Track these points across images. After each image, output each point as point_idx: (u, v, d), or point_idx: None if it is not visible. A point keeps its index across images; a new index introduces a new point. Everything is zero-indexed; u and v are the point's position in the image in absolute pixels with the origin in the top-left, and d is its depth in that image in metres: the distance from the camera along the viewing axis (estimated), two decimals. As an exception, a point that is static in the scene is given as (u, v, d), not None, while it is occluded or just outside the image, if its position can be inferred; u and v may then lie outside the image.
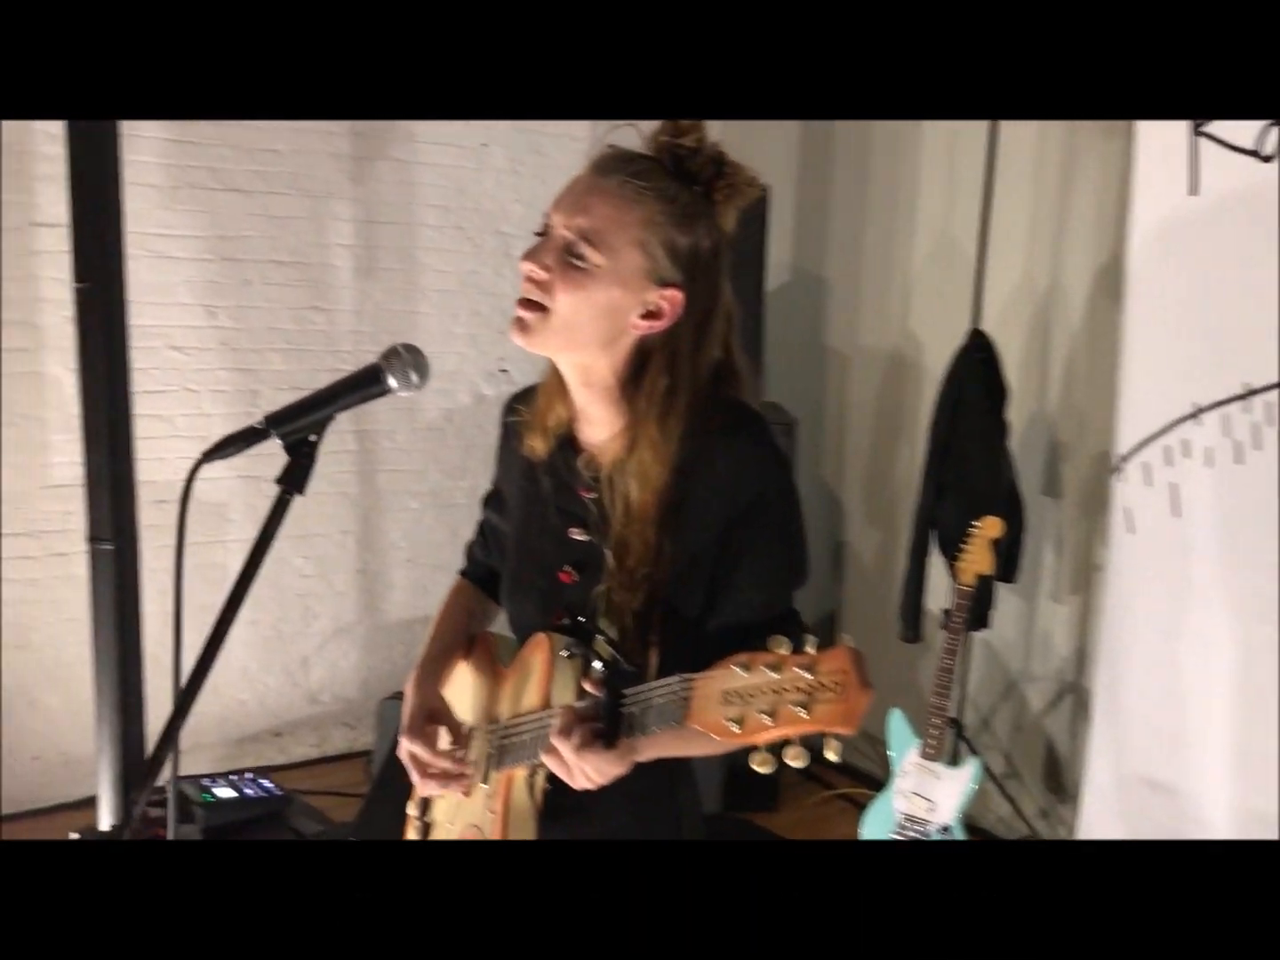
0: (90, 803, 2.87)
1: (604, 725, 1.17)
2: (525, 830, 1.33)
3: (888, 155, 3.64)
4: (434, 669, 1.50)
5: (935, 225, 3.52)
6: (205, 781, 2.27)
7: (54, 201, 3.15)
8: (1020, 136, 3.14)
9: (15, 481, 3.22)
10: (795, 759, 1.03)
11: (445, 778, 1.41)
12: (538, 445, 1.42)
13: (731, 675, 1.07)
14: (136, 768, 2.33)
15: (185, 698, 1.02)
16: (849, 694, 1.01)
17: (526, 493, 1.47)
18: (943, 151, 3.47)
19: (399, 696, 1.54)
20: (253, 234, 3.51)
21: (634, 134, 1.34)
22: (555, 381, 1.40)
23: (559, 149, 3.94)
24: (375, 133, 3.67)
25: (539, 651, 1.37)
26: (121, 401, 2.37)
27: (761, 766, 1.05)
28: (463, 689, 1.52)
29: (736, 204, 1.35)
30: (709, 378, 1.35)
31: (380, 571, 3.85)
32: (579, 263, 1.27)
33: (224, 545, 3.55)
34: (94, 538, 2.32)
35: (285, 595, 3.70)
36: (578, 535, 1.40)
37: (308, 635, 3.77)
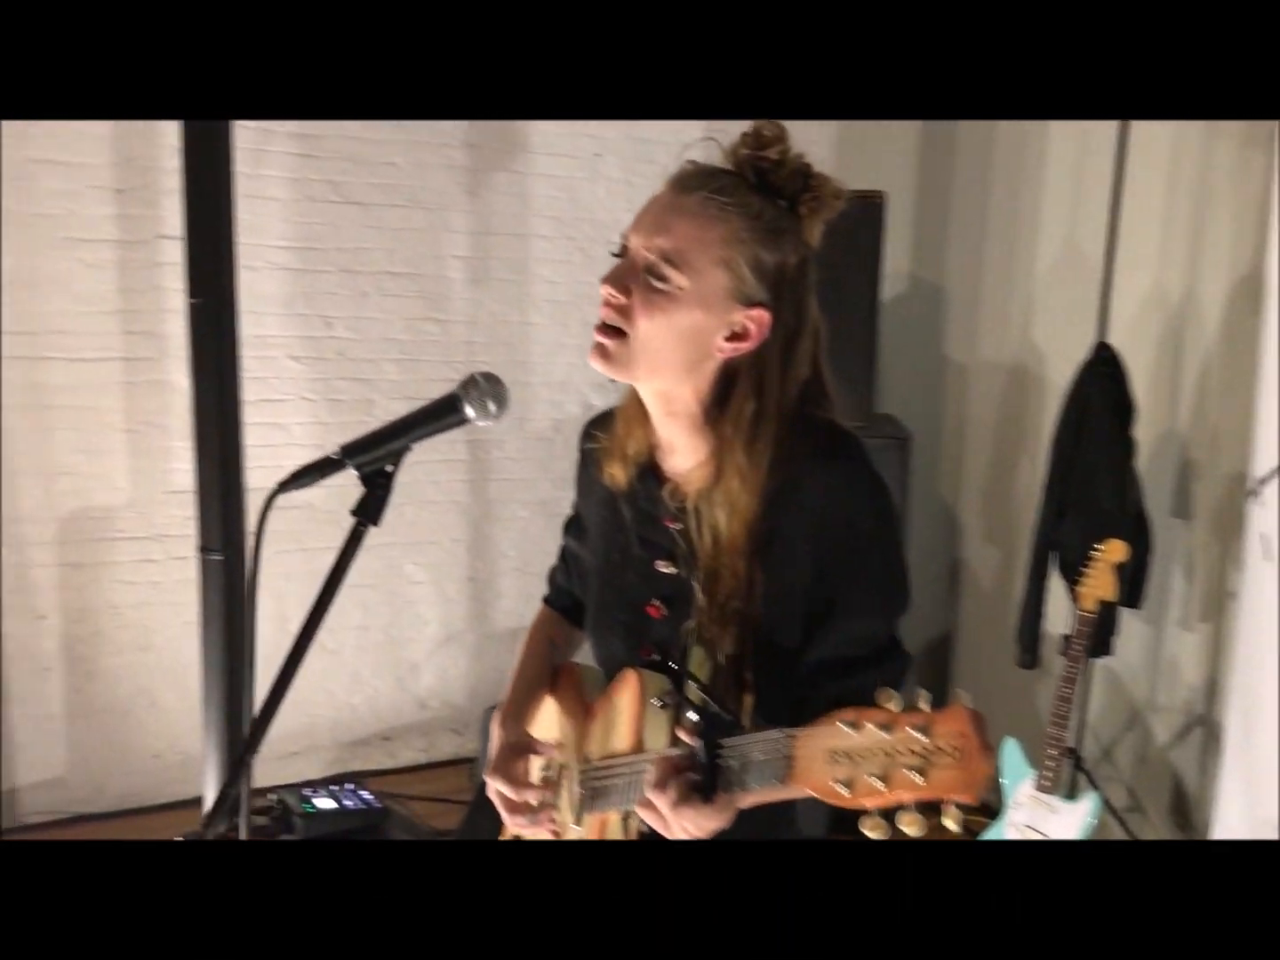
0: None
1: (701, 779, 1.13)
2: None
3: (1011, 158, 3.52)
4: (520, 705, 1.48)
5: (1060, 232, 3.38)
6: (307, 792, 2.30)
7: (178, 214, 3.25)
8: (1152, 139, 2.99)
9: (138, 487, 3.33)
10: (911, 826, 0.96)
11: (533, 814, 1.38)
12: (618, 474, 1.38)
13: (838, 733, 1.00)
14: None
15: (259, 724, 1.01)
16: (969, 760, 0.94)
17: (608, 522, 1.43)
18: (1070, 154, 3.33)
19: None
20: (370, 246, 3.56)
21: (714, 149, 1.30)
22: (635, 407, 1.36)
23: (672, 157, 3.90)
24: (490, 145, 3.69)
25: (628, 691, 1.33)
26: (232, 414, 2.42)
27: (873, 832, 0.97)
28: (549, 723, 1.50)
29: (823, 217, 1.30)
30: (797, 399, 1.30)
31: (489, 580, 3.87)
32: (660, 285, 1.23)
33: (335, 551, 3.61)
34: (204, 548, 2.37)
35: (396, 601, 3.75)
36: (664, 568, 1.35)
37: (418, 641, 3.81)
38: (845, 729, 1.00)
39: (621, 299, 1.24)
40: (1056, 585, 3.01)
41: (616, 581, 1.41)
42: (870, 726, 0.98)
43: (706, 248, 1.23)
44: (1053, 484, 3.00)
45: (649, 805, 1.16)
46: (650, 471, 1.37)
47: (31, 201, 3.14)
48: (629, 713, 1.31)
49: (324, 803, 2.27)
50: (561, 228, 3.80)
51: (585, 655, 1.59)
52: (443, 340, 3.69)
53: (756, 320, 1.26)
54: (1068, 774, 2.85)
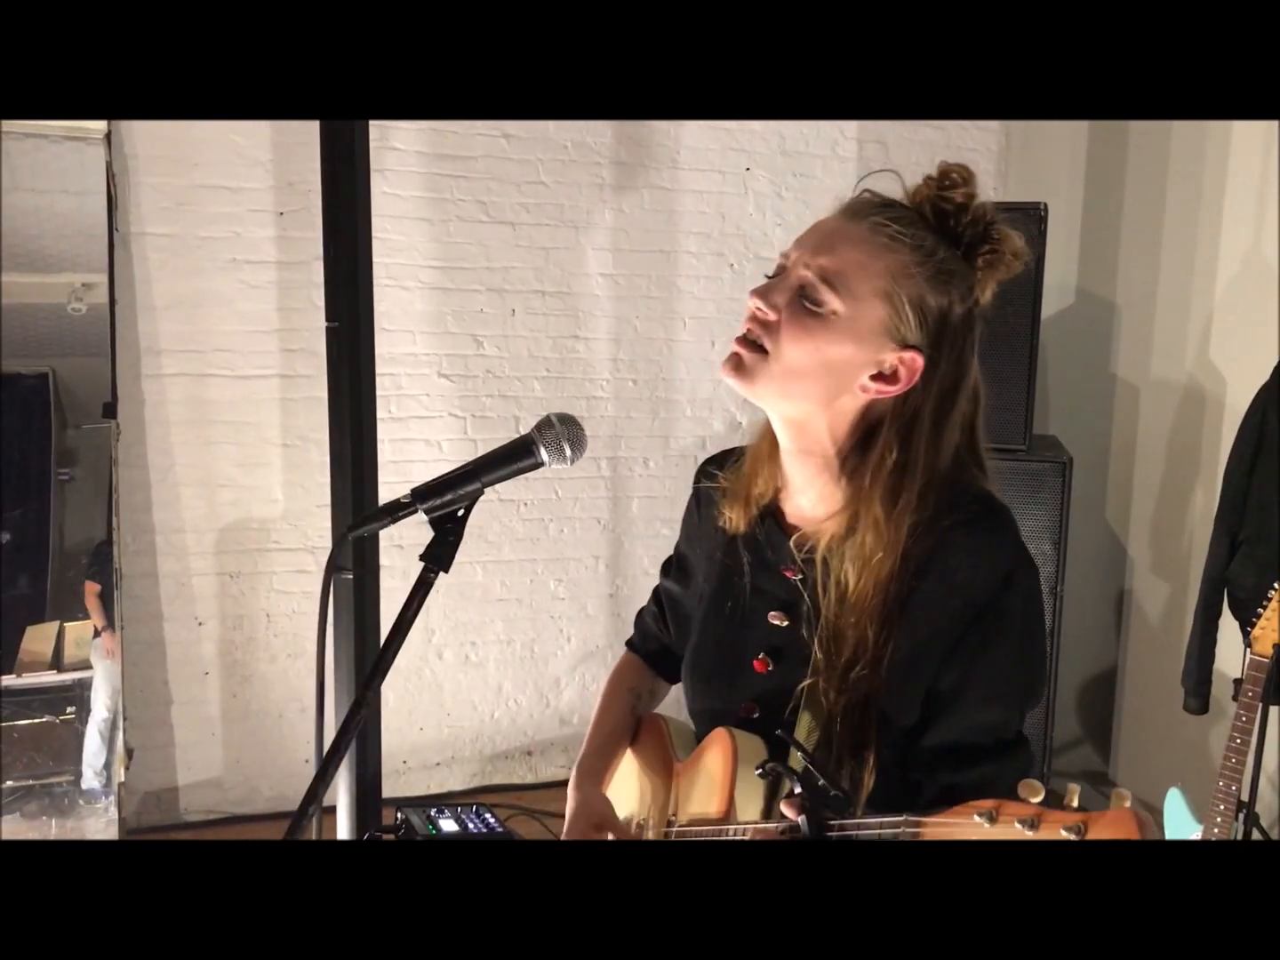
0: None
1: None
2: None
3: (1189, 162, 3.28)
4: (596, 766, 1.41)
5: (1243, 242, 3.14)
6: (433, 812, 2.30)
7: (337, 237, 3.36)
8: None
9: (293, 500, 3.44)
10: None
11: None
12: (737, 516, 1.30)
13: (972, 825, 0.90)
14: (373, 782, 2.42)
15: (332, 755, 0.99)
16: None
17: (721, 566, 1.33)
18: (1255, 157, 3.09)
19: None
20: (518, 265, 3.60)
21: (895, 184, 1.23)
22: (765, 446, 1.28)
23: (825, 171, 3.83)
24: (638, 161, 3.68)
25: (721, 751, 1.24)
26: (368, 434, 2.45)
27: None
28: (629, 777, 1.44)
29: (999, 275, 1.20)
30: (949, 463, 1.21)
31: (630, 597, 3.84)
32: (814, 307, 1.15)
33: (482, 565, 3.66)
34: (336, 566, 2.41)
35: (540, 617, 3.77)
36: (777, 620, 1.26)
37: (560, 657, 3.82)
38: (981, 821, 0.89)
39: (770, 315, 1.16)
40: (1230, 624, 2.78)
41: (722, 630, 1.33)
42: (1013, 821, 0.87)
43: (869, 276, 1.14)
44: (1225, 515, 2.78)
45: None
46: (773, 516, 1.29)
47: (198, 225, 3.29)
48: (721, 776, 1.22)
49: (448, 825, 2.27)
50: (709, 243, 3.76)
51: (669, 706, 1.53)
52: (588, 358, 3.69)
53: (909, 364, 1.17)
54: (1238, 830, 2.63)
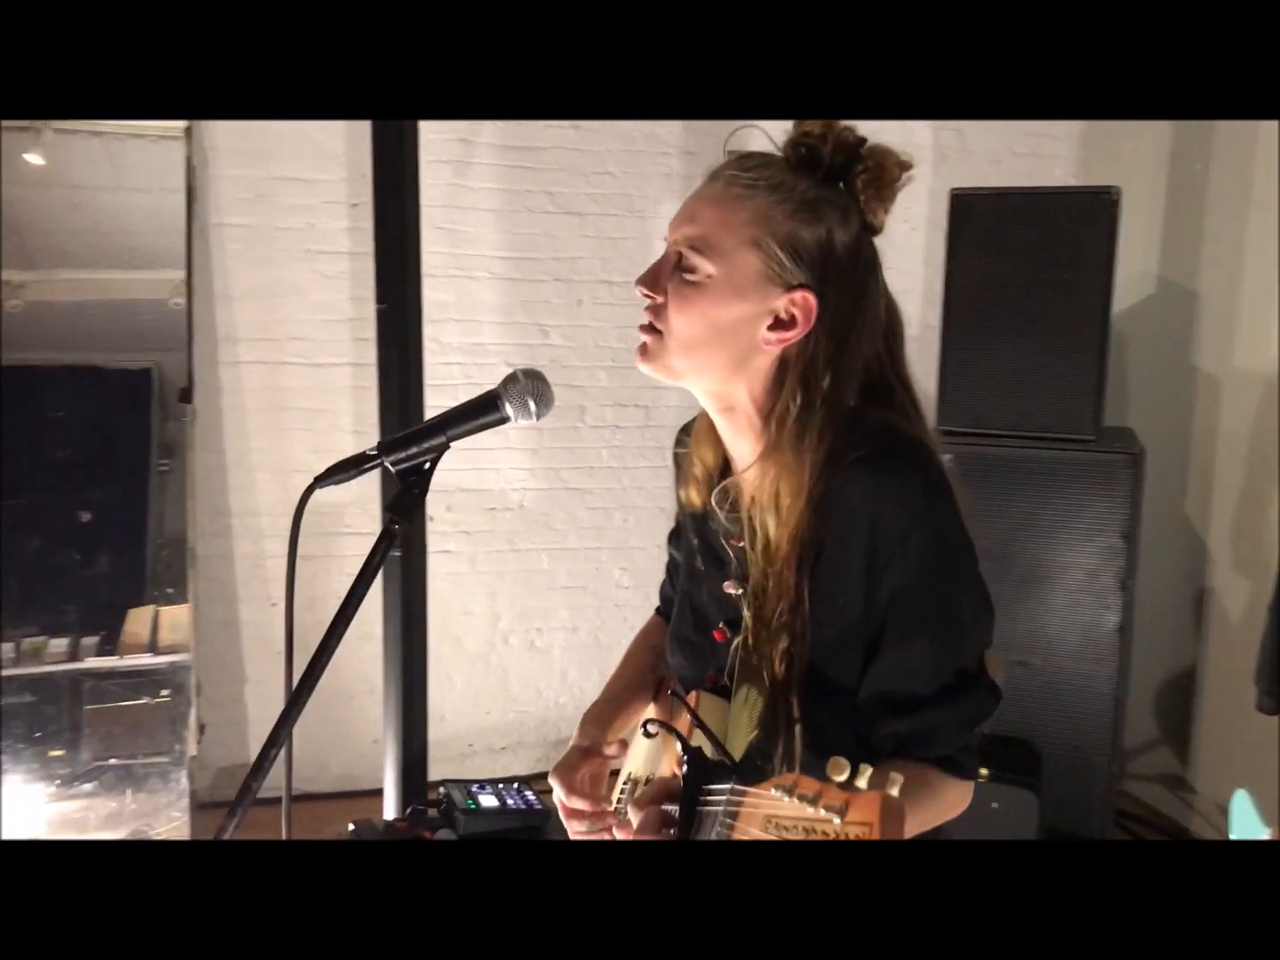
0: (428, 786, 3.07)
1: (679, 818, 1.06)
2: None
3: (1276, 148, 3.16)
4: (603, 712, 1.42)
5: (1332, 227, 3.01)
6: (474, 788, 2.35)
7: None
8: None
9: (363, 485, 3.50)
10: None
11: (587, 821, 1.33)
12: (690, 493, 1.31)
13: (772, 798, 0.92)
14: (419, 763, 2.46)
15: (289, 711, 1.01)
16: None
17: (688, 541, 1.36)
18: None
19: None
20: (585, 255, 3.63)
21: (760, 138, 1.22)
22: (705, 421, 1.28)
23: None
24: (707, 152, 3.66)
25: (682, 716, 1.25)
26: (415, 414, 2.50)
27: None
28: (641, 736, 1.45)
29: (886, 193, 1.17)
30: (859, 397, 1.18)
31: (697, 588, 3.84)
32: (690, 276, 1.15)
33: (548, 553, 3.70)
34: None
35: (605, 605, 3.79)
36: (731, 589, 1.25)
37: (624, 645, 3.80)
38: (779, 794, 0.90)
39: (657, 297, 1.17)
40: (1307, 623, 2.66)
41: (690, 603, 1.34)
42: (797, 797, 0.88)
43: (732, 230, 1.13)
44: (1303, 508, 2.66)
45: (625, 824, 1.13)
46: (724, 487, 1.28)
47: (275, 216, 3.39)
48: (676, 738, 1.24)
49: (488, 800, 2.31)
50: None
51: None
52: (655, 347, 3.70)
53: (800, 304, 1.14)
54: (1310, 836, 2.52)
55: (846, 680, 1.15)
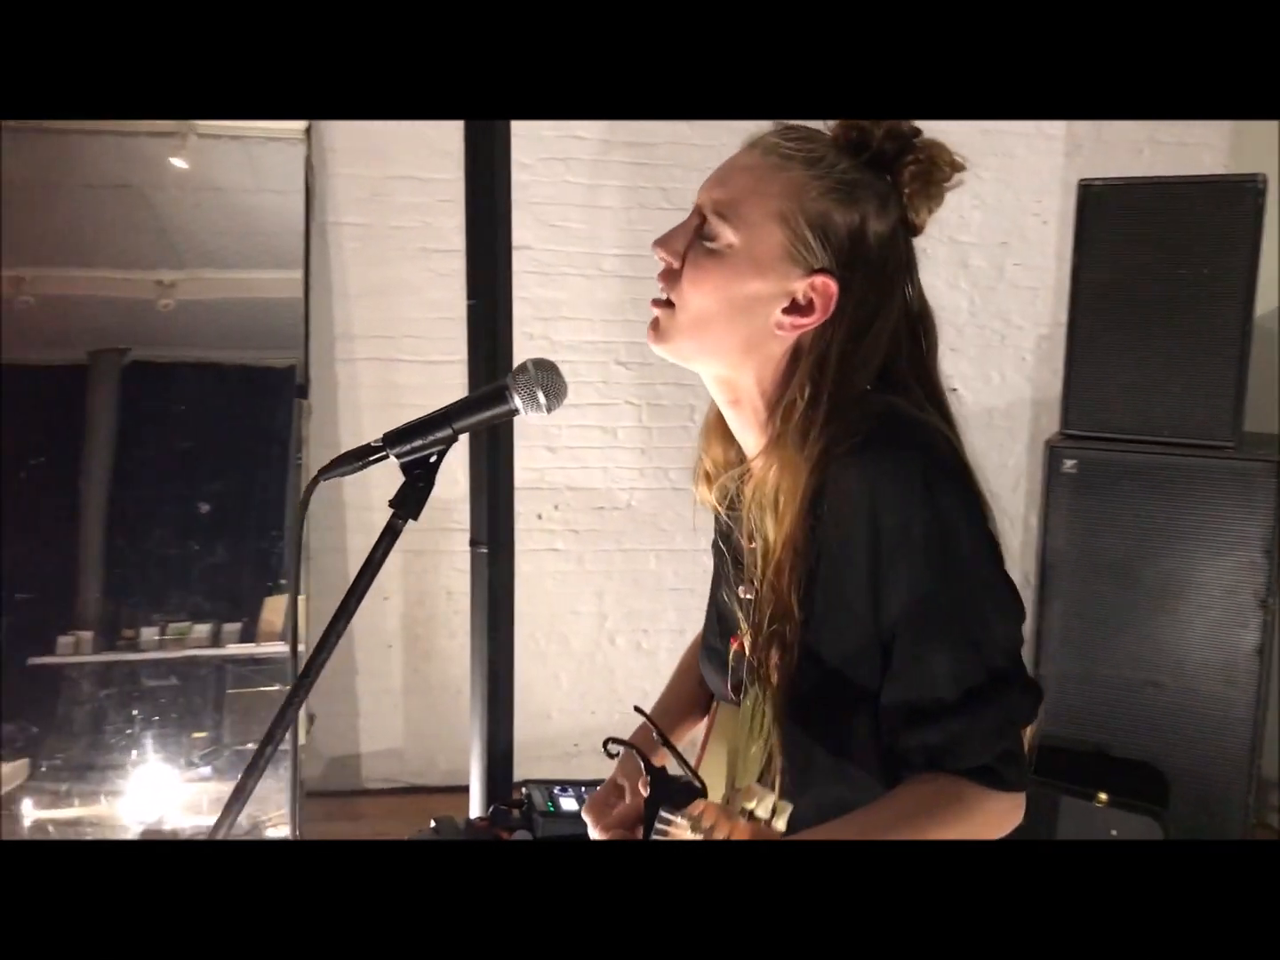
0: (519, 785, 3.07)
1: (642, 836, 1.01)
2: None
3: None
4: (649, 734, 1.35)
5: None
6: (556, 790, 2.31)
7: (522, 226, 3.43)
8: None
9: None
10: None
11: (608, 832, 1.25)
12: (703, 492, 1.23)
13: (681, 826, 0.91)
14: (504, 758, 2.45)
15: (294, 695, 0.99)
16: None
17: (715, 545, 1.28)
18: None
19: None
20: (699, 251, 3.56)
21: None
22: (714, 415, 1.20)
23: (1029, 149, 3.60)
24: (827, 144, 3.57)
25: (705, 725, 1.20)
26: (502, 412, 2.48)
27: None
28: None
29: (931, 193, 1.10)
30: (869, 392, 1.09)
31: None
32: (710, 244, 1.08)
33: (655, 554, 3.65)
34: (473, 541, 2.46)
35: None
36: (745, 594, 1.17)
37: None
38: (684, 822, 0.89)
39: (674, 262, 1.10)
40: None
41: (715, 609, 1.27)
42: (695, 828, 0.88)
43: (762, 200, 1.06)
44: None
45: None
46: (723, 485, 1.21)
47: (391, 215, 3.43)
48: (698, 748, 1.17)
49: (568, 803, 2.28)
50: (900, 228, 3.61)
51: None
52: (769, 346, 3.62)
53: (821, 290, 1.06)
54: None
55: (866, 689, 1.05)
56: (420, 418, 1.06)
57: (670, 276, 1.11)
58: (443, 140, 3.41)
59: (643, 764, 1.07)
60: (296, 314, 3.42)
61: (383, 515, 3.38)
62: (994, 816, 1.03)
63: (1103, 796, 2.75)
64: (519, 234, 3.36)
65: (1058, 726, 2.96)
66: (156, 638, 3.50)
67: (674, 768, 1.20)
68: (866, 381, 1.09)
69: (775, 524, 1.07)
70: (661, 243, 1.12)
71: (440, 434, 1.03)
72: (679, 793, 1.02)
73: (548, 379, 1.03)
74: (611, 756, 1.20)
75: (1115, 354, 2.93)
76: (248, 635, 3.45)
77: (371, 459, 1.05)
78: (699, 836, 0.87)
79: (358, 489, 3.49)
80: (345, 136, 3.39)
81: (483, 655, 2.41)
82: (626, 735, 4.14)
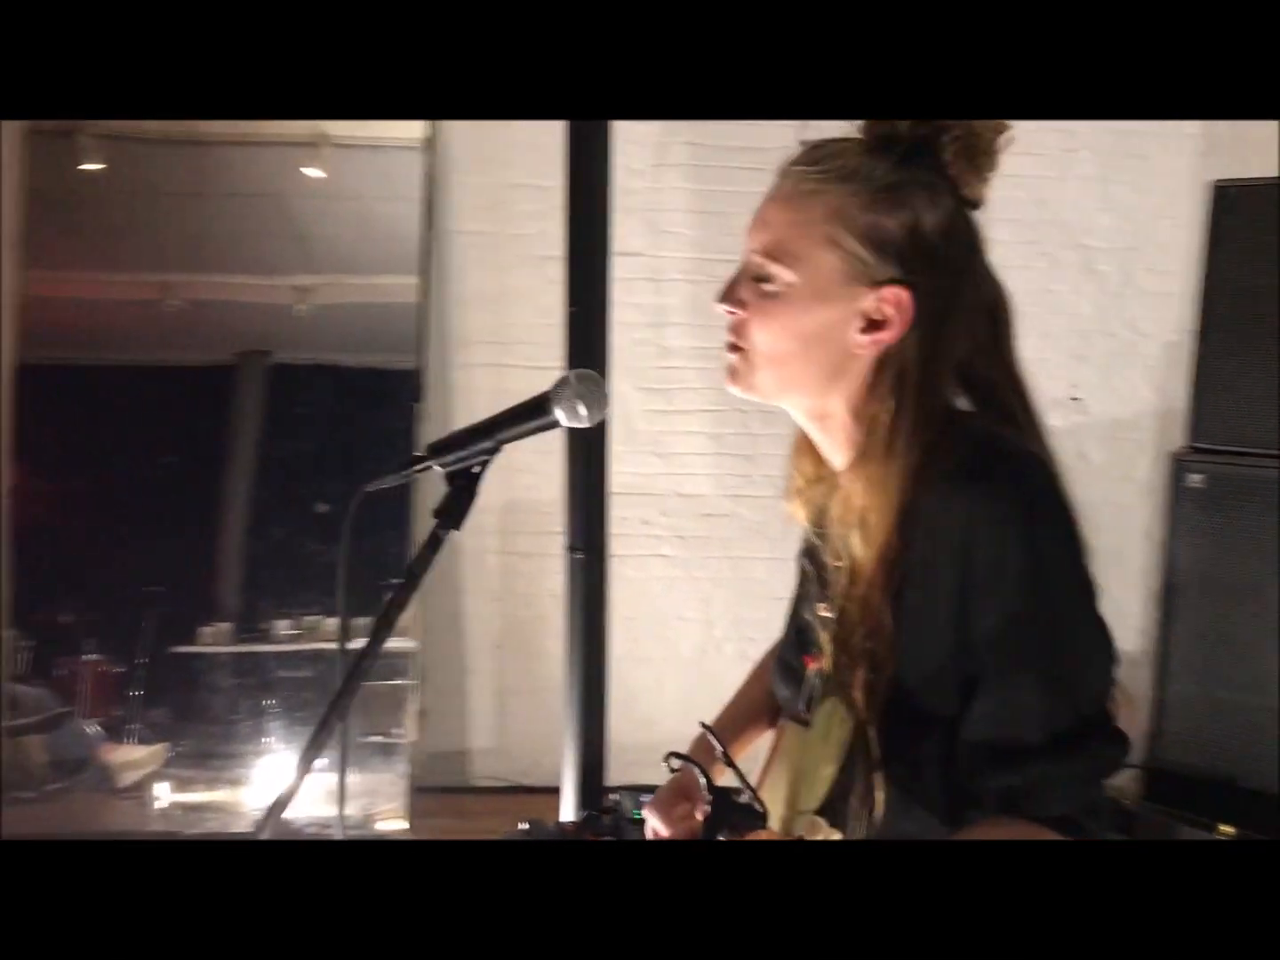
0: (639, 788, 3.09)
1: None
2: None
3: None
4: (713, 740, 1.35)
5: None
6: (643, 797, 2.30)
7: (634, 233, 3.45)
8: None
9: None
10: None
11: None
12: (794, 508, 1.21)
13: None
14: (596, 763, 2.46)
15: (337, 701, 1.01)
16: None
17: (800, 560, 1.26)
18: None
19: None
20: (813, 257, 3.53)
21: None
22: (801, 435, 1.18)
23: (1163, 150, 3.45)
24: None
25: (771, 743, 1.18)
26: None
27: None
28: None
29: (979, 164, 1.06)
30: (953, 401, 1.06)
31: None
32: (768, 287, 1.06)
33: (764, 562, 3.62)
34: (570, 546, 2.48)
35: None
36: (824, 611, 1.15)
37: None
38: None
39: (739, 313, 1.09)
40: None
41: (794, 624, 1.25)
42: None
43: (805, 230, 1.04)
44: None
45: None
46: (814, 501, 1.20)
47: (509, 223, 3.49)
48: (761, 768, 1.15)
49: (655, 810, 2.27)
50: (1022, 231, 3.50)
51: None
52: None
53: (892, 300, 1.04)
54: None
55: (943, 720, 1.02)
56: (463, 429, 1.07)
57: (739, 326, 1.09)
58: (561, 148, 3.45)
59: (704, 783, 1.05)
60: (415, 320, 3.51)
61: (490, 516, 3.45)
62: None
63: (1226, 829, 2.62)
64: (630, 240, 3.39)
65: (1177, 752, 2.84)
66: (289, 631, 3.64)
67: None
68: (948, 380, 1.07)
69: (864, 543, 1.05)
70: (724, 298, 1.10)
71: (483, 445, 1.04)
72: (740, 816, 1.01)
73: (589, 392, 1.04)
74: (673, 771, 1.18)
75: (1247, 363, 2.80)
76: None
77: (416, 469, 1.06)
78: None
79: (471, 491, 3.57)
80: (466, 146, 3.46)
81: (578, 659, 2.44)
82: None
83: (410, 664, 3.48)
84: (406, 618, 3.48)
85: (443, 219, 3.48)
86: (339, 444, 3.55)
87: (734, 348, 1.10)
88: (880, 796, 1.02)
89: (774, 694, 1.38)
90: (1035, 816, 0.98)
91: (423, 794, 3.49)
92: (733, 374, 1.11)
